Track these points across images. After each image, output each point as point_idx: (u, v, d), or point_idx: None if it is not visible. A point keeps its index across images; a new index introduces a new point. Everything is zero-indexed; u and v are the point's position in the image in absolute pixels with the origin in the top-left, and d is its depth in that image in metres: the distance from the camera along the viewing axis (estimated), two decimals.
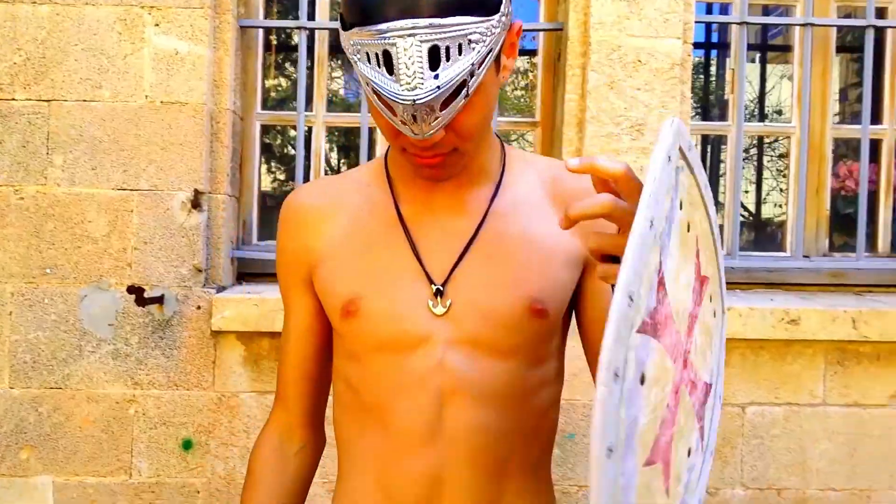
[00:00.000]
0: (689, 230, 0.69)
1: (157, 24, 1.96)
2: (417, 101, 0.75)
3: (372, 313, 0.89)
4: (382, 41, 0.75)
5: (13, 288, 1.93)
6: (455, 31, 0.75)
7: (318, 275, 0.95)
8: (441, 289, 0.88)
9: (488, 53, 0.79)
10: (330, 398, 1.04)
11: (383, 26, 0.74)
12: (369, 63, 0.77)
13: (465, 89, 0.78)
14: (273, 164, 3.25)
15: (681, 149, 0.66)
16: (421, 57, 0.74)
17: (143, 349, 1.92)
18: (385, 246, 0.91)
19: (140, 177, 1.95)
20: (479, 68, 0.78)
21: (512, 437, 0.91)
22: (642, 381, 0.61)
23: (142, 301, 1.91)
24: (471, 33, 0.76)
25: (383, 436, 0.91)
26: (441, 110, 0.78)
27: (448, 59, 0.75)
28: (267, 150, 3.24)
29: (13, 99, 1.95)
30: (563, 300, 0.92)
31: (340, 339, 0.95)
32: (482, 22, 0.76)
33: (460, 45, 0.76)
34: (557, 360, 0.97)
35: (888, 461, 2.02)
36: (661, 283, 0.63)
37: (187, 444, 1.93)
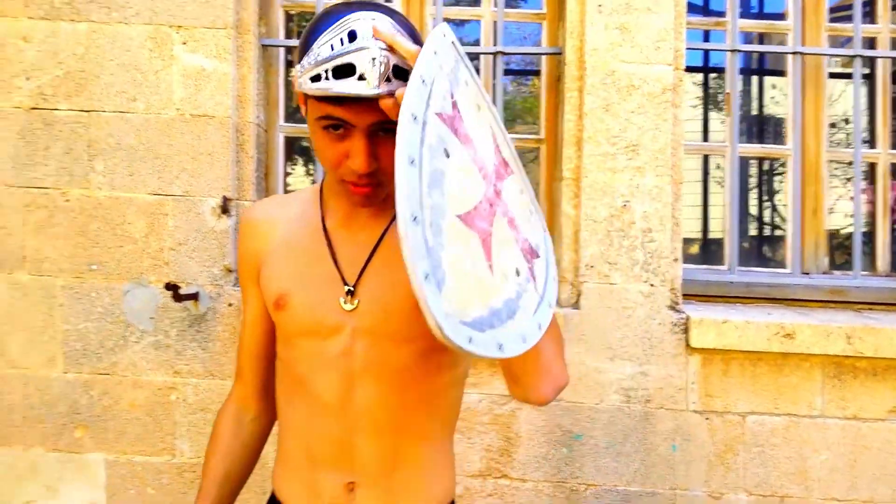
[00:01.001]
0: (478, 110, 0.90)
1: (185, 43, 2.11)
2: (372, 94, 0.93)
3: (296, 305, 1.11)
4: (355, 59, 0.93)
5: (63, 282, 2.16)
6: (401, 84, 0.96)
7: (262, 274, 1.17)
8: (352, 289, 1.10)
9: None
10: None
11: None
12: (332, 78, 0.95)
13: (394, 123, 0.97)
14: (311, 166, 3.42)
15: (456, 46, 0.87)
16: (380, 67, 0.93)
17: (182, 341, 2.16)
18: (311, 252, 1.13)
19: (173, 183, 2.13)
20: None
21: (409, 410, 1.11)
22: (447, 156, 0.80)
23: (178, 297, 2.12)
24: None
25: (307, 405, 1.12)
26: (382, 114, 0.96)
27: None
28: (304, 153, 3.38)
29: (56, 109, 2.13)
30: None
31: (277, 327, 1.18)
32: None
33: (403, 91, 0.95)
34: (451, 351, 1.14)
35: (889, 474, 2.08)
36: (454, 105, 0.83)
37: None
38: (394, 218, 1.14)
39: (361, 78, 0.92)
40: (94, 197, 2.14)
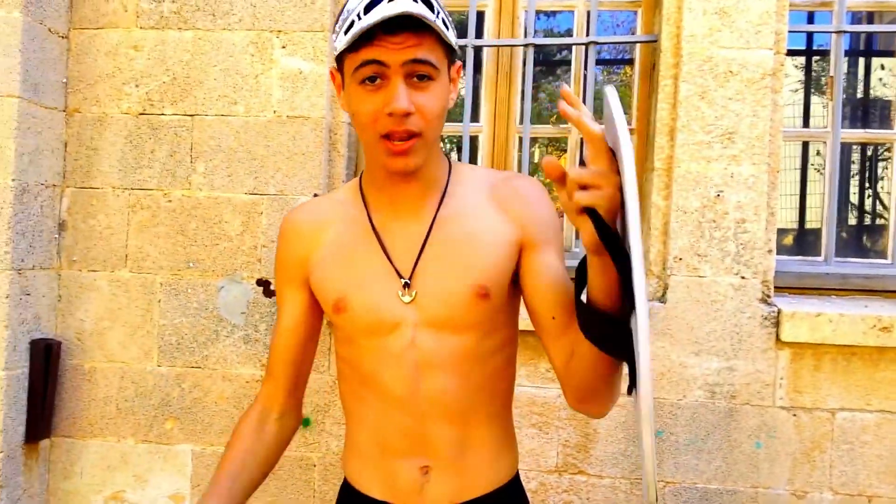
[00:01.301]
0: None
1: (284, 47, 2.19)
2: (403, 11, 0.96)
3: (356, 307, 1.12)
4: None
5: (162, 279, 2.22)
6: (434, 13, 1.01)
7: (313, 279, 1.18)
8: (408, 282, 1.11)
9: (449, 52, 1.05)
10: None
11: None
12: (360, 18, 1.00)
13: (429, 64, 1.02)
14: None
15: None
16: None
17: (270, 335, 2.17)
18: (362, 250, 1.15)
19: (269, 183, 2.19)
20: (441, 55, 1.04)
21: (473, 395, 1.13)
22: None
23: (269, 293, 2.15)
24: (444, 23, 1.02)
25: (377, 400, 1.14)
26: (417, 52, 1.00)
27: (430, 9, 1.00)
28: None
29: (162, 114, 2.24)
30: (502, 282, 1.13)
31: (336, 329, 1.19)
32: (448, 31, 1.03)
33: (435, 25, 1.00)
34: (507, 329, 1.18)
35: None
36: None
37: (306, 422, 2.17)
38: (440, 203, 1.16)
39: (391, 0, 0.97)
40: (194, 197, 2.21)
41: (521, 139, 2.29)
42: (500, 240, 1.13)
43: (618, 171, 0.84)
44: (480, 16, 2.32)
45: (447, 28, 1.04)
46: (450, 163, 1.21)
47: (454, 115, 1.78)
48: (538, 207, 1.16)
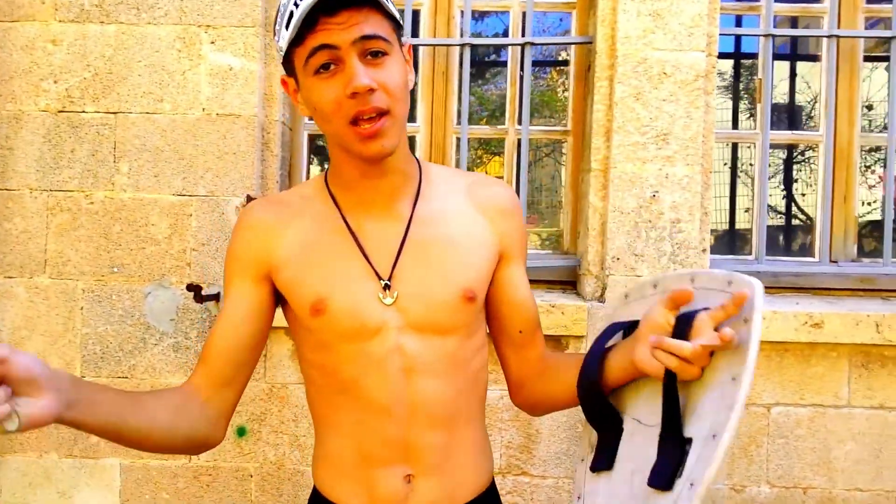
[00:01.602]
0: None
1: (213, 42, 2.11)
2: None
3: (336, 310, 1.05)
4: None
5: (84, 285, 2.11)
6: None
7: (280, 277, 1.09)
8: (388, 283, 1.07)
9: (396, 28, 1.03)
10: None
11: None
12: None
13: (381, 38, 0.99)
14: (326, 165, 3.46)
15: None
16: None
17: (202, 342, 2.09)
18: (337, 250, 1.09)
19: (198, 183, 2.10)
20: (389, 29, 1.01)
21: (458, 398, 1.11)
22: None
23: (200, 298, 2.07)
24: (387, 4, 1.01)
25: (356, 408, 1.08)
26: (364, 27, 0.97)
27: None
28: (319, 152, 3.40)
29: (83, 111, 2.12)
30: (485, 286, 1.14)
31: (310, 333, 1.10)
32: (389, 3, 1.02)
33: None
34: (482, 330, 1.17)
35: None
36: None
37: (241, 432, 2.10)
38: (416, 199, 1.12)
39: None
40: (117, 199, 2.12)
41: (458, 140, 2.27)
42: (482, 244, 1.13)
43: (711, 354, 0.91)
44: (416, 14, 2.28)
45: (388, 1, 1.01)
46: (418, 161, 1.17)
47: None
48: (517, 220, 1.18)
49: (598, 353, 1.05)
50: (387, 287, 1.06)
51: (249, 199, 2.09)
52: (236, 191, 2.10)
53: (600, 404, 1.04)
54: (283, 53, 1.03)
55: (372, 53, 0.97)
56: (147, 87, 2.12)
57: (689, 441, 0.88)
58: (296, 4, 0.95)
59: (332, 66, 0.97)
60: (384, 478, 1.08)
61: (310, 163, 2.42)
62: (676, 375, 0.91)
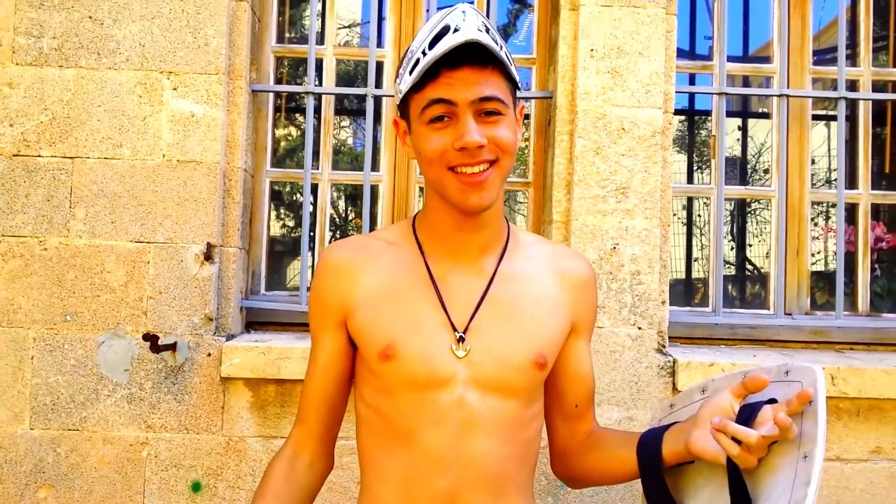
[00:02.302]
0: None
1: (175, 89, 2.10)
2: (470, 38, 0.95)
3: (407, 356, 1.05)
4: (450, 21, 0.98)
5: (35, 333, 2.05)
6: (499, 52, 1.01)
7: (353, 320, 1.11)
8: (463, 336, 1.07)
9: (513, 89, 1.05)
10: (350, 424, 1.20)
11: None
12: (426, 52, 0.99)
13: (498, 100, 1.01)
14: (283, 210, 3.42)
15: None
16: (476, 22, 0.98)
17: (156, 394, 2.04)
18: (415, 297, 1.09)
19: (157, 230, 2.07)
20: (507, 91, 1.03)
21: (511, 461, 1.10)
22: None
23: (156, 348, 2.02)
24: (507, 56, 1.02)
25: (408, 457, 1.07)
26: (485, 89, 0.99)
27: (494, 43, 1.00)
28: (277, 197, 3.38)
29: (39, 156, 2.08)
30: (556, 355, 1.14)
31: (375, 377, 1.11)
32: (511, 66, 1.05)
33: (500, 55, 1.00)
34: (541, 399, 1.19)
35: None
36: None
37: (196, 487, 2.04)
38: (501, 257, 1.14)
39: (456, 30, 0.96)
40: (72, 245, 2.07)
41: (421, 188, 2.28)
42: (558, 313, 1.14)
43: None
44: (380, 66, 2.30)
45: (510, 62, 1.03)
46: (507, 222, 1.19)
47: (357, 164, 1.74)
48: (592, 295, 1.21)
49: (658, 431, 1.07)
50: (461, 339, 1.06)
51: (210, 246, 2.07)
52: (196, 238, 2.08)
53: (658, 483, 1.05)
54: (401, 96, 1.05)
55: (486, 112, 1.00)
56: (106, 132, 2.09)
57: None
58: (423, 53, 0.98)
59: (446, 119, 1.00)
60: None
61: (270, 209, 2.41)
62: (737, 465, 0.93)
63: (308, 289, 1.89)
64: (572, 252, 1.26)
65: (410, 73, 1.00)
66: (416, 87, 1.01)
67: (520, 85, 1.09)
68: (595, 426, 1.26)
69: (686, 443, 1.00)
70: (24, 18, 2.09)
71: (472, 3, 2.32)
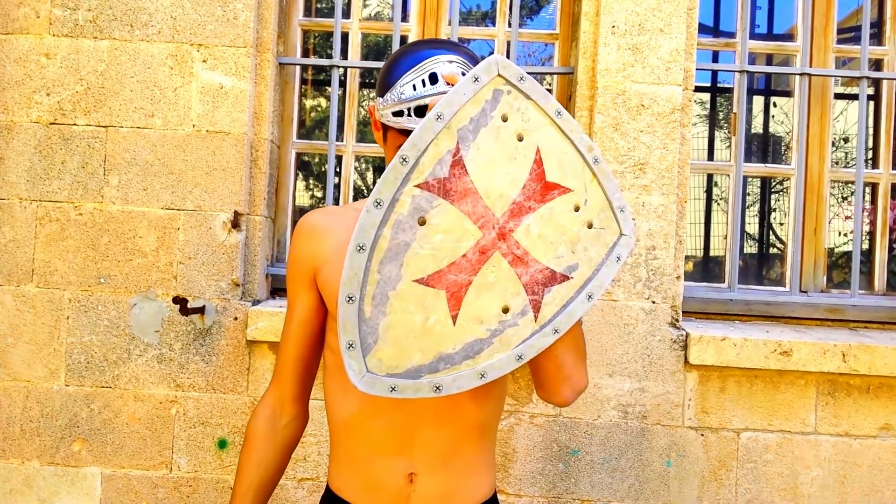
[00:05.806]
0: (520, 140, 0.97)
1: (205, 61, 2.16)
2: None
3: None
4: (432, 65, 1.07)
5: (70, 294, 2.15)
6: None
7: (321, 275, 1.19)
8: None
9: None
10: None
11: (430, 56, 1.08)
12: (413, 90, 1.08)
13: None
14: (311, 181, 3.48)
15: (506, 78, 0.96)
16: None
17: (185, 355, 2.13)
18: None
19: (186, 198, 2.15)
20: None
21: (467, 401, 1.16)
22: (422, 223, 0.92)
23: (185, 311, 2.11)
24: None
25: (368, 398, 1.15)
26: None
27: None
28: (305, 168, 3.44)
29: (74, 124, 2.16)
30: None
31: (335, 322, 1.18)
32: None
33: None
34: None
35: (878, 491, 2.11)
36: (456, 162, 0.94)
37: (222, 444, 2.14)
38: None
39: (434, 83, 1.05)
40: (106, 211, 2.15)
41: None
42: None
43: None
44: (404, 40, 2.34)
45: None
46: None
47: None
48: None
49: None
50: None
51: (237, 214, 2.14)
52: (224, 206, 2.15)
53: None
54: (379, 93, 1.12)
55: None
56: (138, 102, 2.15)
57: None
58: (409, 111, 1.07)
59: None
60: (388, 473, 1.15)
61: (296, 179, 2.47)
62: None
63: None
64: None
65: (394, 114, 1.08)
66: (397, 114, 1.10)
67: None
68: None
69: None
70: None
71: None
